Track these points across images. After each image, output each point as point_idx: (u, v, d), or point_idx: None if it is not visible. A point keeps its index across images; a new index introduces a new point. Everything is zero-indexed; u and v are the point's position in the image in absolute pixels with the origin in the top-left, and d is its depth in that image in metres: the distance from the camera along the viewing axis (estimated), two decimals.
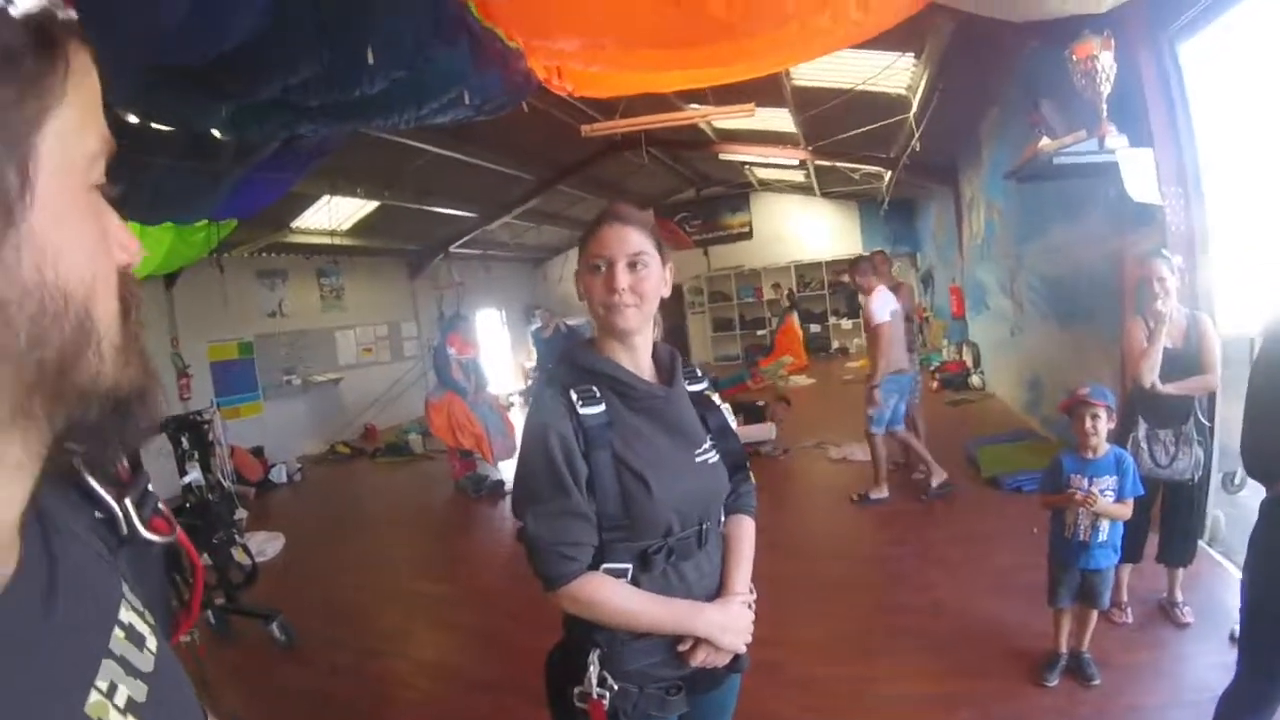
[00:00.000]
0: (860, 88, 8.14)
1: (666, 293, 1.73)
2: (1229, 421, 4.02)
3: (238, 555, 4.92)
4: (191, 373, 10.11)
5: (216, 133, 4.46)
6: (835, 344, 17.81)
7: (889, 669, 3.75)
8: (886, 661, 3.82)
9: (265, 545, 6.63)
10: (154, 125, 4.26)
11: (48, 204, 0.49)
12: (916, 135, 8.57)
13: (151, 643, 0.64)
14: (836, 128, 9.78)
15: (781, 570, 4.70)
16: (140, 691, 0.59)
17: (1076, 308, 6.80)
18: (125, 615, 0.63)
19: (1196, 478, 3.82)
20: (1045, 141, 4.84)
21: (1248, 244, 4.56)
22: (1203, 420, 3.82)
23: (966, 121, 8.86)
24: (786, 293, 18.14)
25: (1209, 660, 3.45)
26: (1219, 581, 4.18)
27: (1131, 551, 3.71)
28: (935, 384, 11.50)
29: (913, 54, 7.18)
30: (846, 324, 17.70)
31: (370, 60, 3.59)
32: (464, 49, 3.95)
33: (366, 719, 3.90)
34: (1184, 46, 4.58)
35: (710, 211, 18.99)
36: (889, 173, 11.97)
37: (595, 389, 1.63)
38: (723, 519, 1.81)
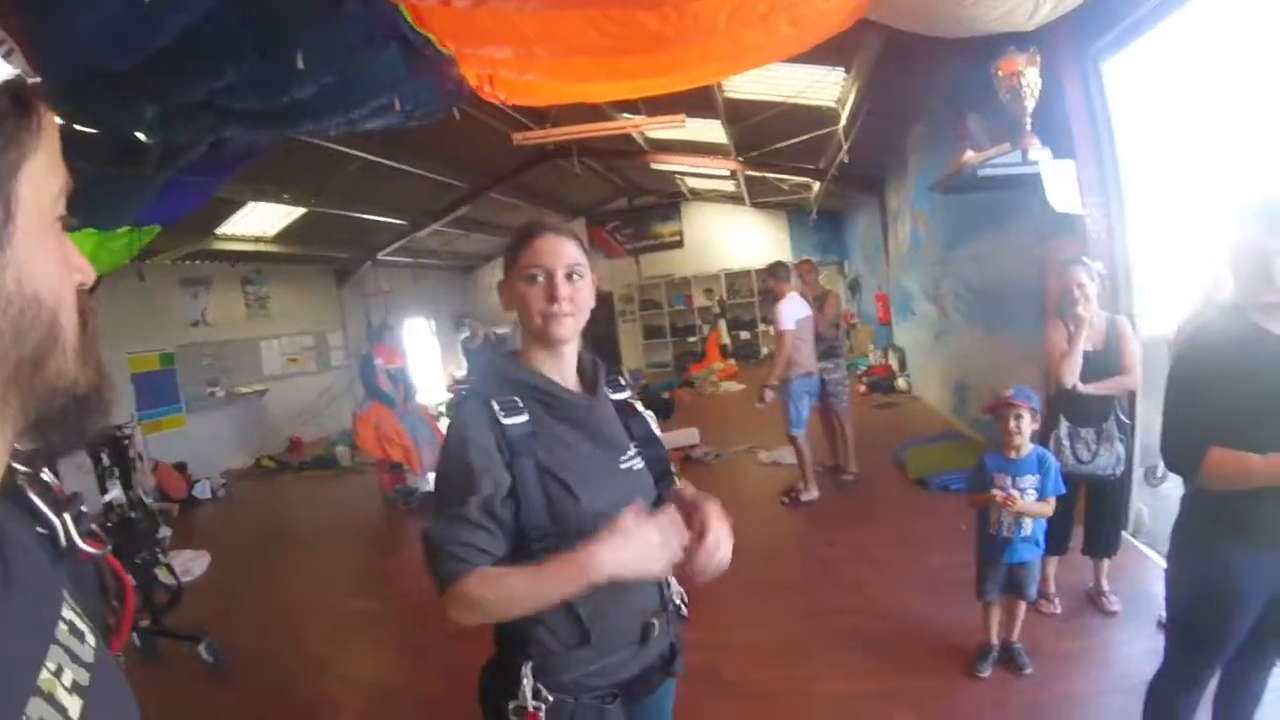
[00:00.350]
0: (791, 100, 8.27)
1: (593, 303, 1.72)
2: (1149, 419, 4.19)
3: (162, 575, 4.78)
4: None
5: (141, 136, 4.34)
6: (764, 350, 17.97)
7: (826, 669, 3.80)
8: (823, 662, 3.87)
9: (191, 564, 6.44)
10: (76, 127, 4.13)
11: (25, 232, 0.60)
12: (845, 147, 8.73)
13: (90, 639, 0.70)
14: (767, 139, 9.93)
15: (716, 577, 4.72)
16: (84, 677, 0.65)
17: (1000, 313, 7.00)
18: (67, 614, 0.68)
19: (1118, 473, 3.97)
20: (971, 154, 4.98)
21: (1165, 250, 4.73)
22: (1123, 418, 3.97)
23: (893, 134, 9.03)
24: (718, 300, 18.30)
25: (1138, 646, 3.57)
26: (1144, 571, 4.34)
27: (1057, 545, 3.85)
28: (863, 388, 11.72)
29: (843, 68, 7.31)
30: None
31: (300, 64, 3.54)
32: (394, 55, 3.92)
33: None
34: (1107, 64, 4.75)
35: (642, 220, 19.06)
36: (818, 183, 12.19)
37: (518, 399, 1.61)
38: None
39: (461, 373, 14.52)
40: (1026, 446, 3.46)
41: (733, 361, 16.51)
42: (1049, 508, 3.43)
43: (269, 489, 10.68)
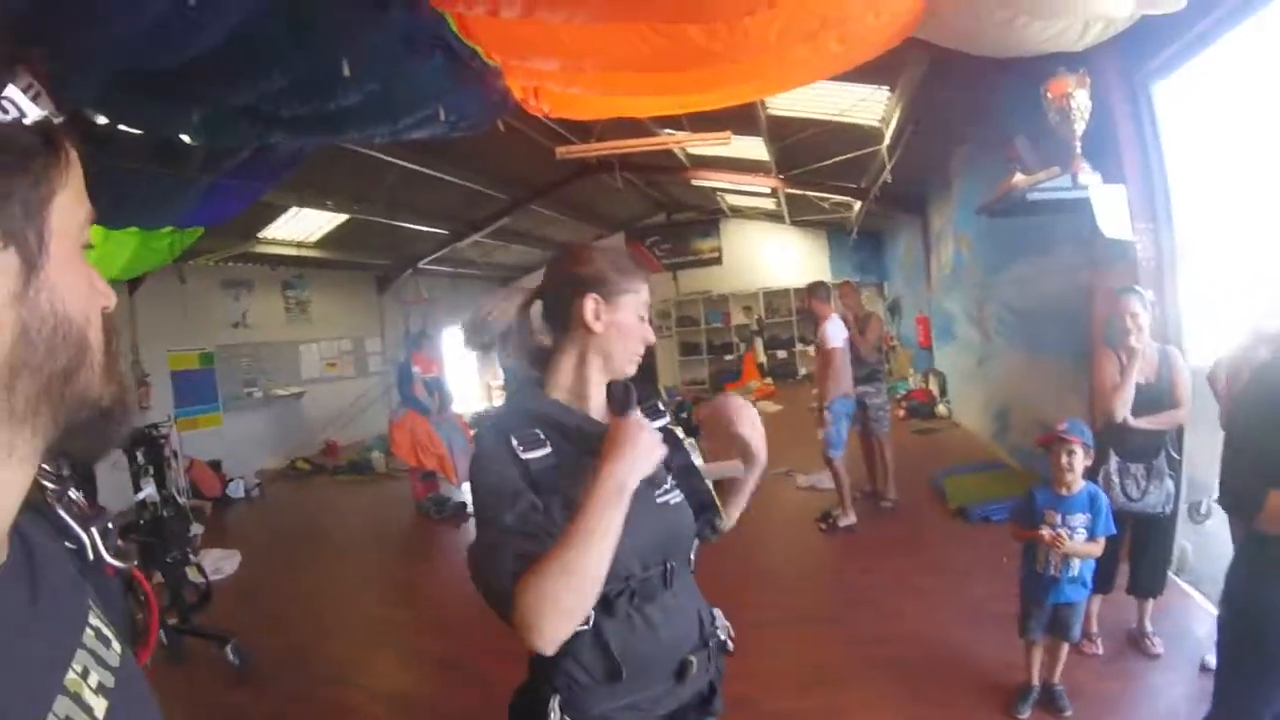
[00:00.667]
0: (835, 118, 8.20)
1: None
2: (1194, 453, 4.09)
3: (192, 575, 4.79)
4: (150, 381, 9.85)
5: (186, 138, 4.37)
6: (802, 370, 17.81)
7: (865, 700, 3.73)
8: (862, 692, 3.80)
9: (221, 563, 6.47)
10: (122, 127, 4.17)
11: (56, 258, 0.65)
12: (888, 167, 8.65)
13: (116, 645, 0.74)
14: (809, 157, 9.87)
15: (753, 600, 4.66)
16: (109, 680, 0.69)
17: (1044, 339, 6.85)
18: (94, 620, 0.73)
19: (1167, 510, 3.85)
20: (1019, 177, 4.87)
21: (1213, 277, 4.61)
22: (1173, 454, 3.86)
23: (938, 154, 8.93)
24: (756, 319, 18.22)
25: (1179, 691, 3.49)
26: (1187, 611, 4.23)
27: (1102, 583, 3.71)
28: (902, 412, 11.54)
29: (888, 87, 7.23)
30: (813, 351, 17.69)
31: (345, 72, 3.54)
32: (440, 64, 3.92)
33: None
34: (1157, 87, 4.65)
35: (681, 236, 19.03)
36: (859, 203, 12.08)
37: (539, 431, 1.56)
38: (692, 558, 1.73)
39: (497, 382, 14.54)
40: (1078, 483, 3.35)
41: (769, 381, 16.37)
42: (1098, 548, 3.32)
43: (303, 491, 10.77)
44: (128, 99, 3.61)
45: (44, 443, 0.66)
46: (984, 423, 9.42)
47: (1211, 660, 3.42)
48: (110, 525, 0.84)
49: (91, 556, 0.80)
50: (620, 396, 1.64)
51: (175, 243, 6.21)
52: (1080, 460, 3.33)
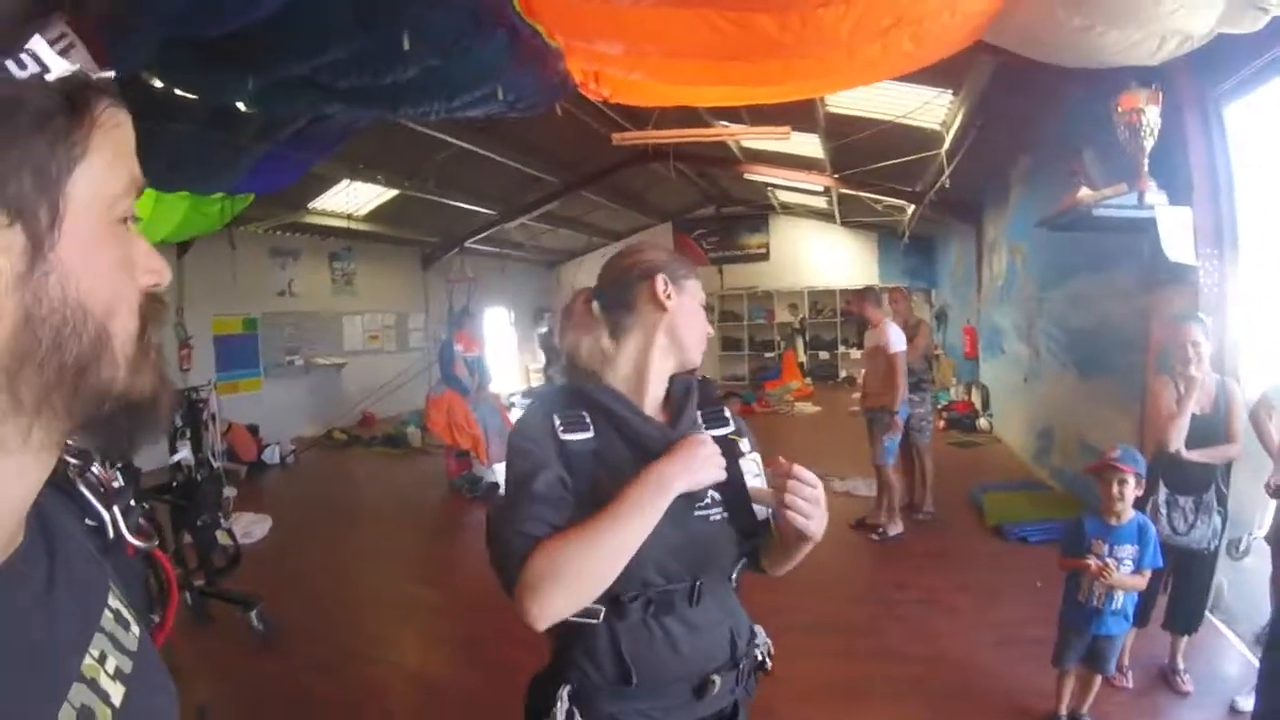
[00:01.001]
0: (895, 119, 8.07)
1: None
2: (1236, 486, 3.94)
3: (221, 539, 4.81)
4: (193, 344, 10.01)
5: (241, 106, 4.38)
6: (843, 373, 17.66)
7: (886, 715, 3.68)
8: (884, 711, 3.74)
9: (252, 527, 6.55)
10: (178, 92, 4.19)
11: (74, 236, 0.57)
12: (947, 172, 8.49)
13: (135, 628, 0.72)
14: (866, 158, 9.72)
15: (780, 606, 4.58)
16: (126, 664, 0.67)
17: (1095, 360, 6.68)
18: (113, 602, 0.71)
19: (1212, 547, 3.75)
20: (1085, 192, 4.74)
21: (1272, 309, 4.48)
22: (1223, 489, 3.74)
23: (998, 162, 8.77)
24: (800, 318, 18.12)
25: None
26: (1220, 650, 4.14)
27: (1140, 616, 3.61)
28: (942, 423, 11.35)
29: (951, 90, 7.10)
30: (855, 353, 17.50)
31: (405, 46, 3.51)
32: (502, 43, 3.87)
33: None
34: (1229, 108, 4.51)
35: (729, 229, 18.96)
36: (913, 206, 11.89)
37: (586, 414, 1.53)
38: (733, 578, 1.65)
39: (537, 365, 14.58)
40: (1128, 514, 3.25)
41: (809, 381, 16.25)
42: (1143, 581, 3.23)
43: (337, 460, 10.86)
44: (184, 65, 3.62)
45: (63, 436, 0.61)
46: (1026, 441, 9.23)
47: (1242, 704, 3.34)
48: (133, 503, 0.80)
49: (112, 535, 0.76)
50: (680, 396, 1.61)
51: (226, 209, 6.27)
52: (1131, 490, 3.23)
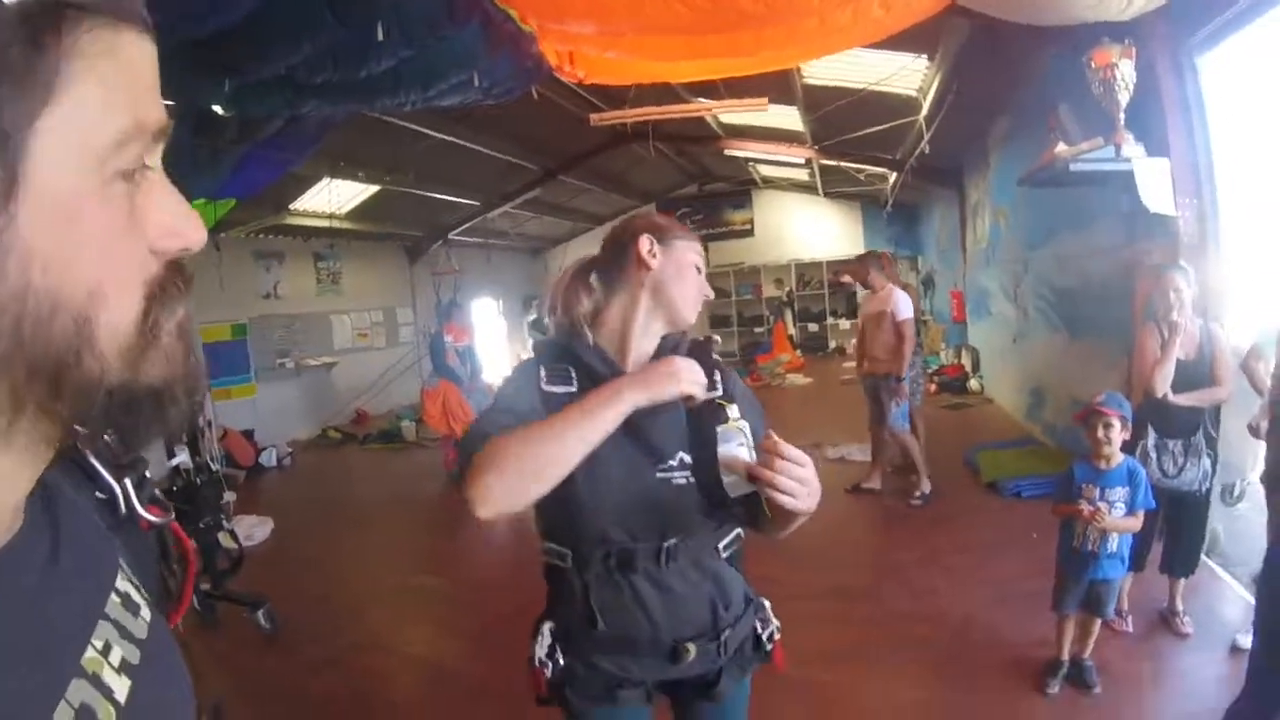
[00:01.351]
0: (871, 87, 8.08)
1: None
2: (1227, 435, 4.05)
3: (224, 541, 4.84)
4: None
5: (218, 109, 4.37)
6: (833, 343, 17.71)
7: (893, 676, 3.73)
8: (891, 669, 3.79)
9: (253, 529, 6.56)
10: None
11: (41, 204, 0.44)
12: (926, 138, 8.50)
13: (145, 613, 0.65)
14: (844, 127, 9.71)
15: (780, 573, 4.63)
16: (134, 655, 0.60)
17: (1083, 316, 6.74)
18: (122, 584, 0.64)
19: (1204, 489, 3.81)
20: (1062, 147, 4.78)
21: (1255, 255, 4.52)
22: (1211, 432, 3.80)
23: (976, 126, 8.78)
24: (786, 291, 18.15)
25: (1209, 672, 3.48)
26: (1219, 593, 4.21)
27: (1136, 560, 3.67)
28: (933, 387, 11.42)
29: (926, 56, 7.10)
30: (845, 324, 17.58)
31: (380, 37, 3.51)
32: (475, 30, 3.88)
33: (349, 716, 3.83)
34: (1203, 59, 4.53)
35: (712, 207, 18.90)
36: (894, 174, 11.91)
37: (572, 370, 1.58)
38: (720, 548, 1.64)
39: (528, 353, 14.59)
40: (1117, 457, 3.30)
41: (799, 353, 16.32)
42: (1137, 523, 3.28)
43: (334, 460, 10.87)
44: (161, 71, 3.61)
45: (53, 433, 0.52)
46: (1018, 400, 9.30)
47: (1242, 642, 3.40)
48: (148, 474, 0.71)
49: (124, 509, 0.68)
50: (667, 353, 1.63)
51: (208, 214, 6.24)
52: (1118, 433, 3.27)
